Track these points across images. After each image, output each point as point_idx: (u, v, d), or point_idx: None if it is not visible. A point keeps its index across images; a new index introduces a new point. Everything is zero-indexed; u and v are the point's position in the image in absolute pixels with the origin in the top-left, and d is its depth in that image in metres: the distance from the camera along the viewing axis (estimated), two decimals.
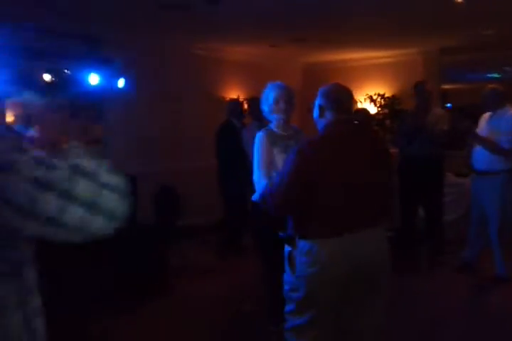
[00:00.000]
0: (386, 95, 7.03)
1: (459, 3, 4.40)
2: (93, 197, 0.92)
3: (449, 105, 7.51)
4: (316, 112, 2.28)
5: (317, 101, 2.27)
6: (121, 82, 4.30)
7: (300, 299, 2.19)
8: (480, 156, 4.06)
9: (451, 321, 3.45)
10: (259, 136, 2.87)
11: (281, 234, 2.45)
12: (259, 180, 2.79)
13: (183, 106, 5.89)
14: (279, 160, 2.75)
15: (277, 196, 2.20)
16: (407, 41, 6.34)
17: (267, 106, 2.90)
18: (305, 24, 5.15)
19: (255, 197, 2.89)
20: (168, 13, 4.39)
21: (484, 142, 3.97)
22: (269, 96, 2.88)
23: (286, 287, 2.33)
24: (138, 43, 5.24)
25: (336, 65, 7.49)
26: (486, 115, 4.18)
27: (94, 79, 4.06)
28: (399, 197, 4.58)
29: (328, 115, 2.23)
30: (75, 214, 0.90)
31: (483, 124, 4.09)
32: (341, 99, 2.25)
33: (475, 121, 4.23)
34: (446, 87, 8.77)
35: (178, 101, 5.80)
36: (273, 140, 2.84)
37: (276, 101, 2.85)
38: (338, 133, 2.22)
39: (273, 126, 2.94)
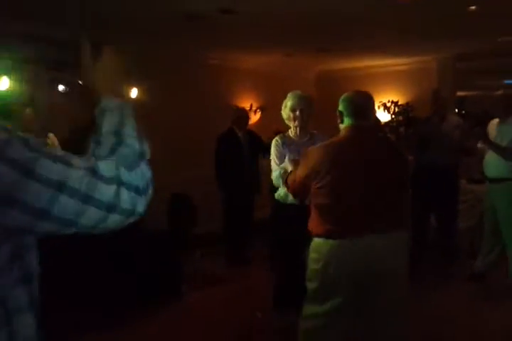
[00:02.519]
0: (400, 102, 7.00)
1: (472, 10, 4.39)
2: (111, 199, 0.90)
3: (463, 112, 7.44)
4: (338, 118, 2.39)
5: (338, 108, 2.37)
6: (133, 92, 4.36)
7: (308, 291, 2.33)
8: (492, 163, 4.01)
9: (457, 332, 3.40)
10: (275, 140, 3.17)
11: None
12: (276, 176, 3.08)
13: (197, 115, 5.95)
14: None
15: (292, 187, 2.50)
16: (422, 48, 6.32)
17: (285, 113, 3.15)
18: (320, 33, 5.18)
19: (278, 195, 3.17)
20: (183, 23, 4.46)
21: (499, 149, 3.92)
22: (287, 105, 3.12)
23: None
24: (151, 52, 5.32)
25: (349, 72, 7.49)
26: (495, 122, 4.14)
27: None
28: (412, 204, 4.54)
29: (347, 121, 2.32)
30: (92, 215, 0.88)
31: (493, 131, 4.05)
32: (359, 105, 2.31)
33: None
34: (463, 93, 8.71)
35: (191, 110, 5.87)
36: (287, 143, 3.12)
37: (293, 110, 3.07)
38: (350, 138, 2.29)
39: (290, 132, 3.21)
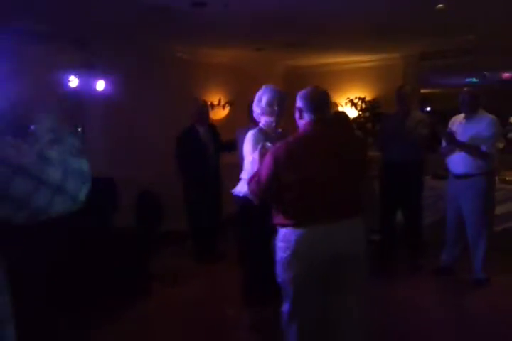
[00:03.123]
0: (367, 99, 7.08)
1: (439, 8, 4.47)
2: (59, 181, 0.97)
3: (428, 109, 7.60)
4: (296, 114, 2.47)
5: (297, 104, 2.45)
6: (100, 85, 4.24)
7: (280, 283, 2.42)
8: (458, 160, 4.10)
9: (428, 324, 3.48)
10: (254, 133, 2.99)
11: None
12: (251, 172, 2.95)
13: (165, 109, 5.85)
14: None
15: (256, 188, 2.44)
16: (388, 46, 6.40)
17: (259, 107, 3.00)
18: (288, 29, 5.17)
19: (239, 192, 3.05)
20: (152, 16, 4.36)
21: (467, 148, 4.01)
22: (262, 99, 2.98)
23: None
24: (120, 46, 5.18)
25: (317, 68, 7.53)
26: (459, 118, 4.23)
27: (73, 81, 4.00)
28: (380, 200, 4.62)
29: (307, 116, 2.41)
30: (43, 197, 0.94)
31: (459, 128, 4.14)
32: (318, 100, 2.43)
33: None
34: (427, 91, 8.89)
35: (159, 105, 5.76)
36: (265, 138, 2.97)
37: (270, 104, 2.95)
38: (314, 131, 2.39)
39: (263, 126, 3.06)
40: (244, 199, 2.95)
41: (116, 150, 5.41)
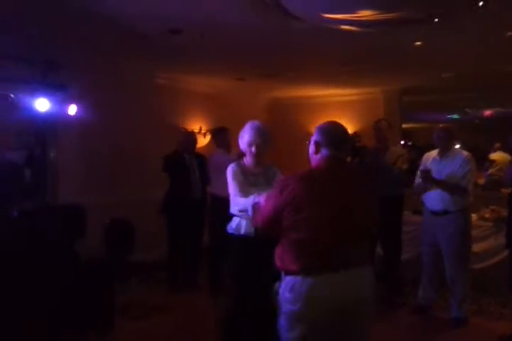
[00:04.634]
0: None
1: (417, 46, 4.51)
2: None
3: (409, 143, 7.63)
4: (311, 148, 2.29)
5: (314, 138, 2.29)
6: (72, 109, 4.14)
7: (285, 331, 2.20)
8: (435, 196, 4.04)
9: None
10: (232, 167, 3.05)
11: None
12: (239, 202, 2.93)
13: (142, 136, 5.77)
14: None
15: (261, 224, 2.31)
16: (370, 80, 6.46)
17: (242, 144, 3.08)
18: (272, 59, 5.19)
19: (231, 228, 3.04)
20: (129, 41, 4.33)
21: (446, 185, 3.96)
22: (244, 137, 3.05)
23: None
24: (97, 69, 5.12)
25: (299, 100, 7.56)
26: (432, 154, 4.20)
27: (43, 104, 3.89)
28: None
29: (324, 151, 2.25)
30: None
31: (434, 165, 4.09)
32: (337, 136, 2.27)
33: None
34: (409, 126, 8.97)
35: (136, 131, 5.68)
36: (243, 172, 3.04)
37: (250, 145, 3.02)
38: (329, 169, 2.24)
39: (245, 161, 3.13)
40: (236, 236, 2.98)
41: (91, 175, 5.28)
